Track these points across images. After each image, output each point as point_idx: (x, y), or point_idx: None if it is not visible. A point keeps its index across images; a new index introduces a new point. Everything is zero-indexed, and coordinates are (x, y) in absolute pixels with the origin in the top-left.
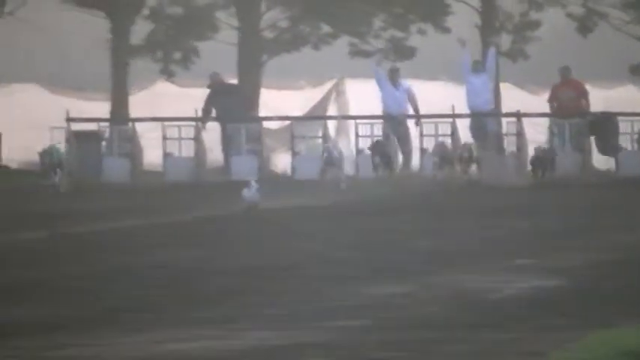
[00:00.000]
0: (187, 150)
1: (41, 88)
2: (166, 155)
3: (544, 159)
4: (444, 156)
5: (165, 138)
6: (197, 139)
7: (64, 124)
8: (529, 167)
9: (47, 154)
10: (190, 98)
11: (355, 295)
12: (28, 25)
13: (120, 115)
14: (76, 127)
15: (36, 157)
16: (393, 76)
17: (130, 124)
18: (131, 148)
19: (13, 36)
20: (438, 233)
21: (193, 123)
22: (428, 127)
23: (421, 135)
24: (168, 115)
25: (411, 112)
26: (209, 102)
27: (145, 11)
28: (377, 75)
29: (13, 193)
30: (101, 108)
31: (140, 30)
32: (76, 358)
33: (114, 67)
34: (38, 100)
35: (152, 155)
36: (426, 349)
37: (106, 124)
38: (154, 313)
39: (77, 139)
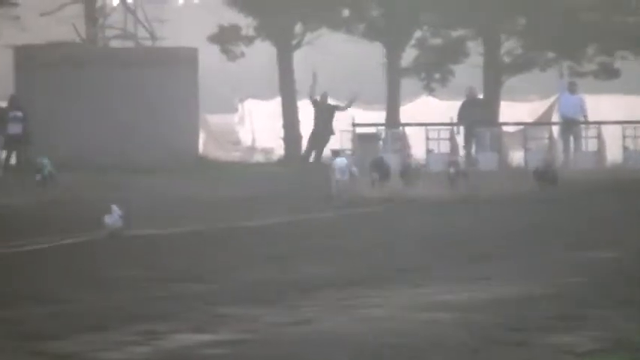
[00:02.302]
0: (444, 147)
1: (335, 100)
2: (429, 152)
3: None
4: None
5: (427, 139)
6: (452, 139)
7: (351, 128)
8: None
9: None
10: (447, 108)
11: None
12: (326, 51)
13: (393, 120)
14: (360, 130)
15: (328, 154)
16: (572, 88)
17: (401, 127)
18: (401, 146)
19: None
20: None
21: (449, 127)
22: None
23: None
24: (429, 121)
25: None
26: (462, 110)
27: (412, 42)
28: (560, 86)
29: None
30: (378, 116)
31: (408, 56)
32: (376, 305)
33: (389, 84)
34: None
35: (419, 152)
36: None
37: (382, 127)
38: (426, 271)
39: (360, 139)
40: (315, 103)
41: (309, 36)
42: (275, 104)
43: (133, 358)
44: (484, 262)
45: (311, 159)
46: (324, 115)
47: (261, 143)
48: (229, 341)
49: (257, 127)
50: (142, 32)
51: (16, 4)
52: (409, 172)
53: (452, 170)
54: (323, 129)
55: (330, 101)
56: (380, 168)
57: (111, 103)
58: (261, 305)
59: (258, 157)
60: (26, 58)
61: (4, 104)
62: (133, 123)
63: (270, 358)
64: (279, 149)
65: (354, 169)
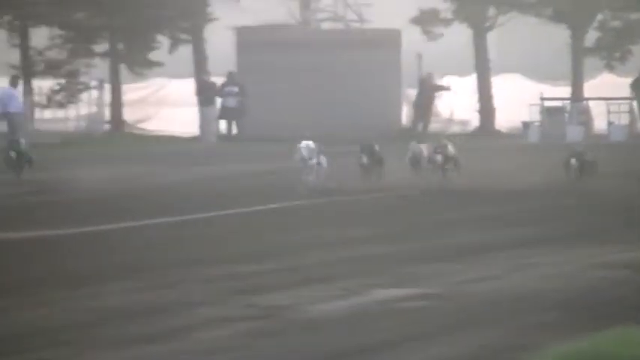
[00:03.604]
0: (624, 120)
1: (523, 77)
2: (610, 123)
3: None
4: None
5: (609, 112)
6: (631, 111)
7: (539, 102)
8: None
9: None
10: (625, 84)
11: None
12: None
13: (577, 95)
14: (547, 104)
15: (518, 126)
16: None
17: (584, 102)
18: (585, 118)
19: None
20: None
21: (628, 101)
22: None
23: None
24: (610, 95)
25: None
26: (634, 85)
27: (595, 24)
28: None
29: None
30: (564, 91)
31: (590, 37)
32: (551, 263)
33: (573, 62)
34: (521, 85)
35: (600, 123)
36: None
37: (568, 102)
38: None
39: (548, 112)
40: (421, 81)
41: (501, 19)
42: (471, 80)
43: (339, 309)
44: None
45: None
46: (428, 92)
47: (458, 115)
48: (423, 295)
49: (454, 100)
50: (350, 15)
51: None
52: (585, 166)
53: None
54: (426, 103)
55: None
56: (370, 154)
57: (320, 81)
58: (447, 263)
59: (455, 128)
60: (246, 38)
61: (222, 80)
62: (340, 98)
63: (465, 311)
64: (474, 121)
65: (323, 157)
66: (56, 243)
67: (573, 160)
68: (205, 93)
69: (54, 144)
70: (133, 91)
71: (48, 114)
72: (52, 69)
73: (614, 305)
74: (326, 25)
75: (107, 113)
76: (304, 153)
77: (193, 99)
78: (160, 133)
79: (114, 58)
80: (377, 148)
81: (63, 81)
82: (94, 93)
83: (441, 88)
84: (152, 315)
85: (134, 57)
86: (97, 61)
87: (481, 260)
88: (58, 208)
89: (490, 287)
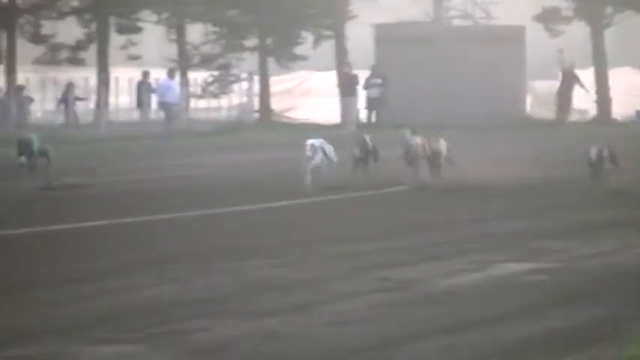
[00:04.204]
0: None
1: (634, 70)
2: None
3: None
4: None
5: None
6: None
7: None
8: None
9: None
10: None
11: None
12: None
13: None
14: None
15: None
16: None
17: None
18: None
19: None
20: None
21: None
22: None
23: None
24: None
25: None
26: None
27: None
28: None
29: None
30: None
31: None
32: None
33: None
34: (633, 78)
35: None
36: None
37: None
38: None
39: None
40: (563, 72)
41: (618, 17)
42: (589, 73)
43: (470, 282)
44: None
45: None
46: (570, 82)
47: (578, 105)
48: (546, 269)
49: (575, 92)
50: (478, 12)
51: None
52: None
53: None
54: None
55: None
56: (362, 147)
57: (451, 74)
58: (566, 240)
59: (574, 117)
60: (384, 34)
61: (365, 72)
62: (469, 90)
63: (586, 283)
64: (592, 110)
65: (332, 153)
66: (216, 220)
67: None
68: (346, 84)
69: (208, 132)
70: (280, 83)
71: (202, 104)
72: (206, 62)
73: None
74: (456, 22)
75: (256, 103)
76: (308, 151)
77: (335, 90)
78: (305, 122)
79: (263, 52)
80: (369, 140)
81: (216, 73)
82: (245, 84)
83: (580, 82)
84: (286, 289)
85: (281, 51)
86: (247, 54)
87: (590, 237)
88: (217, 188)
89: (601, 262)
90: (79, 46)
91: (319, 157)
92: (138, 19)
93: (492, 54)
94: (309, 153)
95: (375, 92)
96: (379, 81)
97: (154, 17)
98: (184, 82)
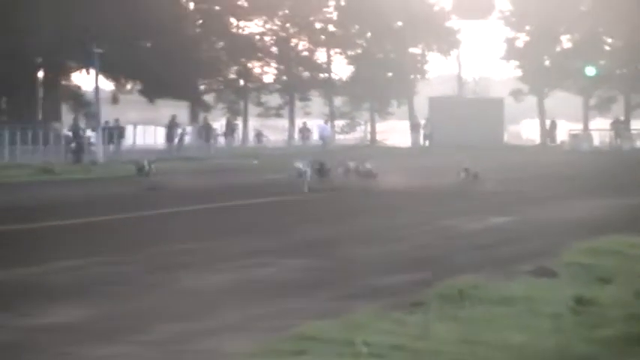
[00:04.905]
0: None
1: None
2: None
3: None
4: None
5: None
6: None
7: None
8: None
9: None
10: None
11: None
12: None
13: None
14: None
15: None
16: None
17: None
18: None
19: None
20: None
21: None
22: None
23: None
24: None
25: None
26: None
27: None
28: None
29: None
30: None
31: None
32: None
33: None
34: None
35: None
36: None
37: None
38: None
39: None
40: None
41: (552, 92)
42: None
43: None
44: None
45: None
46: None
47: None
48: None
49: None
50: (479, 90)
51: None
52: None
53: None
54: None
55: None
56: (320, 168)
57: (465, 123)
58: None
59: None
60: (434, 102)
61: (422, 121)
62: (474, 130)
63: None
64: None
65: (308, 169)
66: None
67: None
68: (413, 127)
69: (342, 150)
70: (380, 125)
71: (340, 137)
72: (342, 115)
73: None
74: (469, 96)
75: (369, 136)
76: (300, 167)
77: (407, 129)
78: (392, 145)
79: (372, 110)
80: (326, 163)
81: (348, 121)
82: (362, 127)
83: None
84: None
85: (381, 110)
86: (364, 112)
87: None
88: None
89: None
90: (280, 107)
91: (308, 172)
92: (309, 95)
93: (487, 113)
94: (303, 170)
95: (428, 130)
96: (430, 125)
97: (316, 92)
98: (332, 126)
